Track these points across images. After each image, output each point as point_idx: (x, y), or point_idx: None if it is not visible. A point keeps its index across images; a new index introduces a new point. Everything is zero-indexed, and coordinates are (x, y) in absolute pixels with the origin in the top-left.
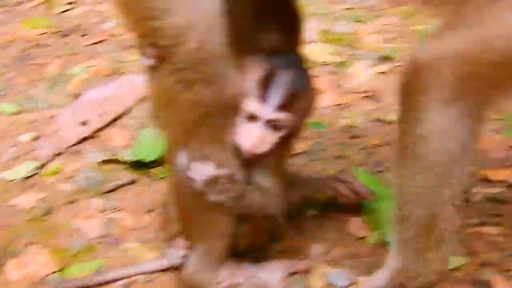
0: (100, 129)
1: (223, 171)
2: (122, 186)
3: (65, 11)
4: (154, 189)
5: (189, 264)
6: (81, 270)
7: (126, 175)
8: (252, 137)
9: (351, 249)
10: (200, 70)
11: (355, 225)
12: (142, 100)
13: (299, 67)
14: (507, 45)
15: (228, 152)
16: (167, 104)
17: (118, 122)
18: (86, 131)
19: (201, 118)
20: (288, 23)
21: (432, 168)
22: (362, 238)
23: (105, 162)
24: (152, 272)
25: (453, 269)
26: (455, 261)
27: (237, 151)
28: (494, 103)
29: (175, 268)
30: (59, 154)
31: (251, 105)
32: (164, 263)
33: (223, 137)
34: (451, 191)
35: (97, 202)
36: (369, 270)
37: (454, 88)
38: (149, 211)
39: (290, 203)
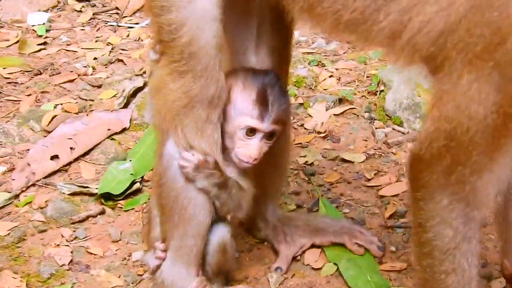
0: (70, 163)
1: (209, 158)
2: (90, 217)
3: (37, 51)
4: (121, 220)
5: (164, 267)
6: None
7: (94, 207)
8: (253, 149)
9: (307, 279)
10: (189, 64)
11: (311, 256)
12: (109, 137)
13: (280, 84)
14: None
15: (211, 143)
16: (158, 93)
17: (87, 156)
18: (56, 165)
19: (186, 108)
20: (279, 52)
21: (434, 255)
22: (318, 269)
23: (75, 194)
24: None
25: None
26: None
27: (235, 161)
28: (480, 186)
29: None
30: (31, 186)
31: (252, 122)
32: None
33: (206, 128)
34: (457, 278)
35: (67, 231)
36: None
37: (439, 174)
38: (116, 240)
39: (299, 248)
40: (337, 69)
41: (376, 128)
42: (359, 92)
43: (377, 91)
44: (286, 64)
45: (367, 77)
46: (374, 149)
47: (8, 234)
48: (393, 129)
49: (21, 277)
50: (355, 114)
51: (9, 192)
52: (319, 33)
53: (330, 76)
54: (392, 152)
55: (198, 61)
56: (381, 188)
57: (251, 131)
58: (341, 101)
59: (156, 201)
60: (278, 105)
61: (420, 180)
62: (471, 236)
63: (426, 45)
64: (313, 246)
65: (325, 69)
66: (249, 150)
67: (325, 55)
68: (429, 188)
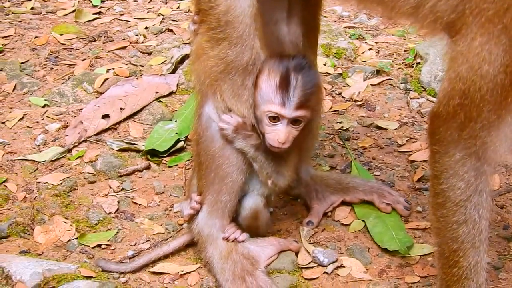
0: (119, 122)
1: (246, 120)
2: (137, 171)
3: (92, 20)
4: (165, 175)
5: (199, 217)
6: (97, 238)
7: (141, 162)
8: (280, 136)
9: (336, 234)
10: (226, 31)
11: (342, 213)
12: (157, 99)
13: (309, 68)
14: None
15: (247, 107)
16: (198, 59)
17: (135, 116)
18: (106, 123)
19: (223, 74)
20: (309, 22)
21: (446, 206)
22: (347, 225)
23: (123, 150)
24: (176, 250)
25: (425, 255)
26: (428, 248)
27: (267, 146)
28: (489, 142)
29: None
30: (82, 142)
31: (273, 107)
32: (183, 239)
33: (242, 93)
34: (468, 229)
35: (115, 183)
36: (351, 252)
37: (454, 129)
38: (160, 193)
39: (330, 205)
40: (376, 42)
41: (410, 98)
42: (396, 64)
43: (413, 64)
44: (315, 34)
45: (404, 50)
46: (408, 118)
47: (61, 183)
48: (427, 99)
49: (71, 222)
50: (392, 85)
51: (62, 146)
52: (348, 6)
53: (370, 49)
54: (424, 121)
55: (234, 29)
56: (411, 154)
57: (275, 118)
58: (378, 72)
59: (194, 158)
60: (301, 90)
61: (437, 135)
62: (481, 189)
63: (447, 12)
64: (343, 203)
65: (365, 42)
66: (277, 135)
67: (366, 30)
68: (444, 142)
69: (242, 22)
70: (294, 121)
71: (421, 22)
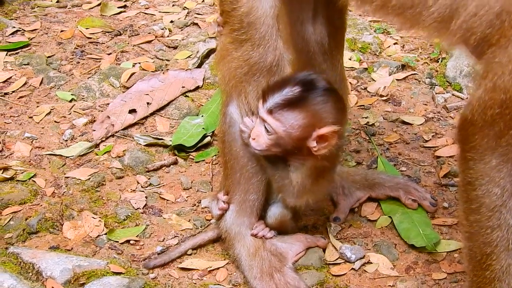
0: (146, 117)
1: None
2: (164, 166)
3: (117, 13)
4: (192, 170)
5: (227, 216)
6: (126, 234)
7: (168, 157)
8: (254, 130)
9: (363, 230)
10: (248, 33)
11: (368, 209)
12: (183, 94)
13: (314, 89)
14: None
15: None
16: (223, 60)
17: (162, 111)
18: (133, 118)
19: (248, 75)
20: (335, 21)
21: (481, 211)
22: (374, 221)
23: (150, 145)
24: (205, 243)
25: (451, 251)
26: (455, 244)
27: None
28: None
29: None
30: (110, 137)
31: (259, 101)
32: (214, 234)
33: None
34: (502, 233)
35: (142, 178)
36: (378, 248)
37: (491, 137)
38: (187, 188)
39: (356, 200)
40: (401, 37)
41: (436, 93)
42: (422, 59)
43: (439, 59)
44: (341, 33)
45: (430, 45)
46: (433, 113)
47: (89, 179)
48: (453, 94)
49: (99, 217)
50: (417, 79)
51: (90, 141)
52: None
53: (395, 44)
54: (450, 116)
55: (256, 30)
56: (437, 149)
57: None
58: (404, 67)
59: (220, 156)
60: (285, 100)
61: (471, 142)
62: None
63: (481, 27)
64: (369, 199)
65: (390, 37)
66: (254, 129)
67: (391, 24)
68: (479, 150)
69: (264, 23)
70: (265, 127)
71: (450, 38)
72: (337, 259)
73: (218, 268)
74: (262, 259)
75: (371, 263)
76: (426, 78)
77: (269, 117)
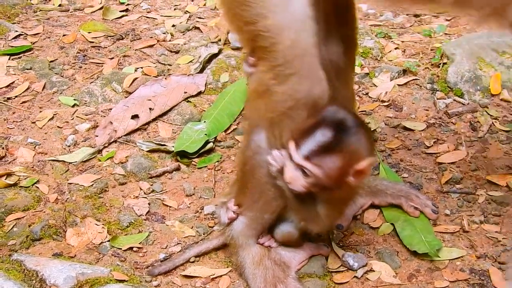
0: (149, 123)
1: None
2: (167, 172)
3: (119, 17)
4: (195, 176)
5: (235, 225)
6: (129, 241)
7: (170, 163)
8: (288, 174)
9: (365, 237)
10: (294, 66)
11: (370, 216)
12: (185, 99)
13: (346, 130)
14: None
15: None
16: (261, 96)
17: (164, 117)
18: (136, 123)
19: (291, 110)
20: (347, 39)
21: None
22: (376, 228)
23: (153, 151)
24: (210, 250)
25: (454, 259)
26: (457, 252)
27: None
28: None
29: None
30: (112, 142)
31: (291, 146)
32: (219, 241)
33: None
34: None
35: (145, 185)
36: (380, 255)
37: None
38: (190, 194)
39: (359, 208)
40: (402, 41)
41: (437, 99)
42: (423, 64)
43: (440, 64)
44: (353, 51)
45: (431, 49)
46: (435, 119)
47: (92, 185)
48: (454, 100)
49: (103, 224)
50: (418, 85)
51: (92, 147)
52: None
53: (396, 48)
54: (452, 122)
55: (302, 62)
56: (439, 156)
57: (290, 157)
58: (405, 72)
59: (238, 174)
60: (321, 147)
61: None
62: None
63: None
64: (372, 206)
65: (391, 41)
66: (286, 172)
67: (392, 28)
68: None
69: (309, 53)
70: (302, 170)
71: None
72: (339, 266)
73: (221, 276)
74: (266, 268)
75: (374, 271)
76: (428, 83)
77: (307, 163)
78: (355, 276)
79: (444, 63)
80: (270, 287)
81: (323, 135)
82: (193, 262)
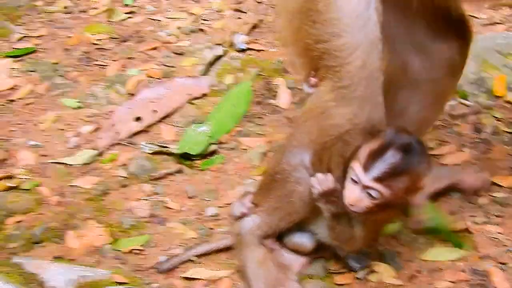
0: (152, 125)
1: (338, 187)
2: (169, 174)
3: (124, 19)
4: (198, 179)
5: (246, 222)
6: (131, 244)
7: (173, 165)
8: (351, 196)
9: None
10: (359, 89)
11: None
12: (189, 101)
13: (413, 150)
14: None
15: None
16: (317, 117)
17: (168, 119)
18: (139, 126)
19: (344, 135)
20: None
21: None
22: None
23: (156, 153)
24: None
25: (455, 260)
26: (458, 252)
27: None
28: None
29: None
30: (115, 145)
31: (357, 168)
32: (225, 242)
33: (349, 156)
34: None
35: (147, 187)
36: (382, 256)
37: None
38: (192, 197)
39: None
40: None
41: None
42: None
43: None
44: (455, 78)
45: None
46: (439, 120)
47: (93, 188)
48: (459, 102)
49: (104, 226)
50: None
51: (95, 149)
52: None
53: None
54: (456, 124)
55: (368, 86)
56: (443, 157)
57: (355, 178)
58: None
59: (266, 178)
60: (389, 167)
61: None
62: None
63: None
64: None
65: None
66: (349, 196)
67: None
68: None
69: (374, 77)
70: (368, 192)
71: None
72: (340, 268)
73: (221, 278)
74: (268, 269)
75: (375, 272)
76: None
77: (378, 185)
78: (356, 278)
79: None
80: None
81: (393, 157)
82: (193, 261)
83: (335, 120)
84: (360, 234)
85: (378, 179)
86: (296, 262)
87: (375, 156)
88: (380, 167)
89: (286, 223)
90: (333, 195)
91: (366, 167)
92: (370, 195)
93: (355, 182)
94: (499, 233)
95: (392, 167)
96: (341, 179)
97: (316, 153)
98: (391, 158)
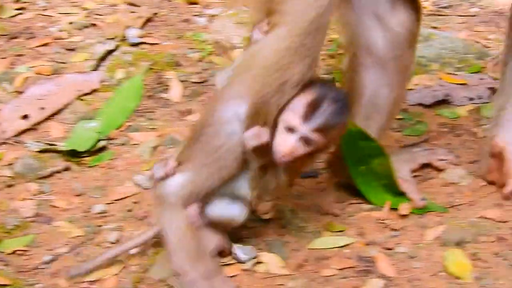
0: (40, 123)
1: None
2: (56, 172)
3: (14, 15)
4: (86, 176)
5: (169, 182)
6: (14, 244)
7: (61, 163)
8: (286, 146)
9: (255, 229)
10: (308, 39)
11: (262, 209)
12: (79, 97)
13: (344, 102)
14: None
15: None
16: (266, 66)
17: (56, 116)
18: (26, 124)
19: (283, 84)
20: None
21: None
22: (266, 220)
23: (42, 151)
24: (142, 245)
25: (342, 247)
26: (345, 240)
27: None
28: None
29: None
30: (1, 144)
31: (294, 119)
32: (149, 234)
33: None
34: None
35: (33, 186)
36: (270, 247)
37: None
38: (79, 194)
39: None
40: None
41: None
42: None
43: None
44: (414, 51)
45: None
46: None
47: None
48: None
49: None
50: None
51: None
52: None
53: None
54: None
55: (315, 37)
56: None
57: (290, 129)
58: None
59: (190, 135)
60: (327, 118)
61: None
62: None
63: None
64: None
65: None
66: (283, 145)
67: None
68: None
69: (326, 29)
70: (305, 141)
71: None
72: (229, 260)
73: (107, 277)
74: (189, 241)
75: (263, 262)
76: None
77: (316, 134)
78: (244, 269)
79: None
80: (193, 262)
81: (329, 108)
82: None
83: (285, 70)
84: (283, 181)
85: (317, 129)
86: (212, 243)
87: (312, 107)
88: (318, 118)
89: (213, 181)
90: (267, 148)
91: (304, 118)
92: (305, 144)
93: (291, 132)
94: (386, 218)
95: (329, 117)
96: (272, 130)
97: (254, 105)
98: (327, 109)
